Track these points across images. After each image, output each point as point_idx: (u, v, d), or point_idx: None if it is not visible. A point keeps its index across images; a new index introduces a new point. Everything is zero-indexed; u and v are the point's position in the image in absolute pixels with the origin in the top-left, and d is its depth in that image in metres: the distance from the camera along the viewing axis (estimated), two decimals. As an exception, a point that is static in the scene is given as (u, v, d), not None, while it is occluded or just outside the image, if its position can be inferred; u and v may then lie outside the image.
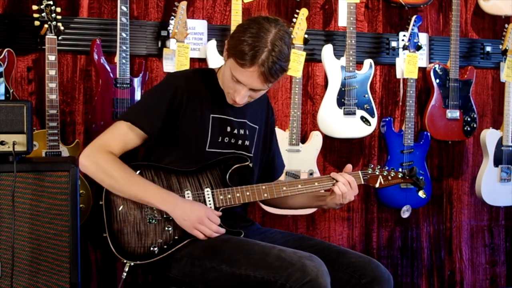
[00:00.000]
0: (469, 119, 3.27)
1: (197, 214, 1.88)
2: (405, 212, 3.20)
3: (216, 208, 1.96)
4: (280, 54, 1.82)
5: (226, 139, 2.05)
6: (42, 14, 2.54)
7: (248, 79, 1.85)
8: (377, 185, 2.11)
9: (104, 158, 1.90)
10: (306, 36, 2.96)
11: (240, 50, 1.81)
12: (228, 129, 2.05)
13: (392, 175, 2.13)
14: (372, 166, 2.13)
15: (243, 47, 1.80)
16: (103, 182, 1.91)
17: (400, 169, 2.18)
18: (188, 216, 1.87)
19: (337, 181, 2.03)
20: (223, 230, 1.93)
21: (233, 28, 2.78)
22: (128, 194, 1.90)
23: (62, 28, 2.58)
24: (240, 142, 2.08)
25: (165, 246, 1.92)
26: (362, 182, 2.09)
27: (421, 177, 2.15)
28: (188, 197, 1.96)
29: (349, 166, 2.09)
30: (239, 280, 1.81)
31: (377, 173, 2.11)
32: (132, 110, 2.05)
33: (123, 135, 1.95)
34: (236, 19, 2.81)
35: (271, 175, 2.27)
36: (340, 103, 3.02)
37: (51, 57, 2.55)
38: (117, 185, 1.89)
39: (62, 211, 2.15)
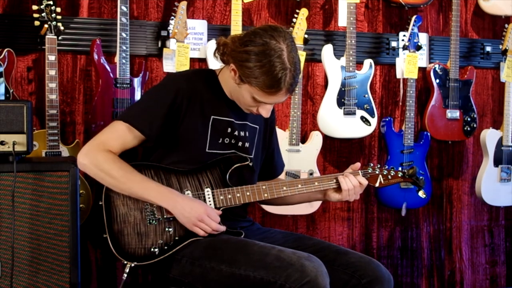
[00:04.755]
0: (469, 119, 3.27)
1: (197, 211, 1.88)
2: (404, 210, 3.21)
3: (216, 208, 1.96)
4: (296, 65, 1.87)
5: (227, 140, 2.04)
6: (42, 14, 2.54)
7: (277, 99, 1.91)
8: (377, 185, 2.10)
9: (103, 157, 1.89)
10: (306, 36, 2.96)
11: (265, 83, 1.83)
12: (229, 130, 2.04)
13: (392, 174, 2.11)
14: (372, 165, 2.11)
15: (267, 79, 1.82)
16: (103, 180, 1.90)
17: (400, 168, 2.17)
18: (189, 213, 1.87)
19: (338, 181, 2.03)
20: (223, 228, 1.93)
21: (233, 28, 2.78)
22: (128, 192, 1.91)
23: (62, 28, 2.58)
24: (240, 144, 2.07)
25: (166, 247, 1.92)
26: (362, 181, 2.09)
27: (421, 177, 2.14)
28: (188, 197, 1.97)
29: (357, 165, 2.09)
30: (239, 280, 1.81)
31: (377, 172, 2.10)
32: (131, 111, 2.03)
33: (122, 135, 1.94)
34: (236, 19, 2.81)
35: (271, 174, 2.27)
36: (340, 103, 3.01)
37: (51, 57, 2.55)
38: (117, 183, 1.89)
39: (62, 211, 2.15)
